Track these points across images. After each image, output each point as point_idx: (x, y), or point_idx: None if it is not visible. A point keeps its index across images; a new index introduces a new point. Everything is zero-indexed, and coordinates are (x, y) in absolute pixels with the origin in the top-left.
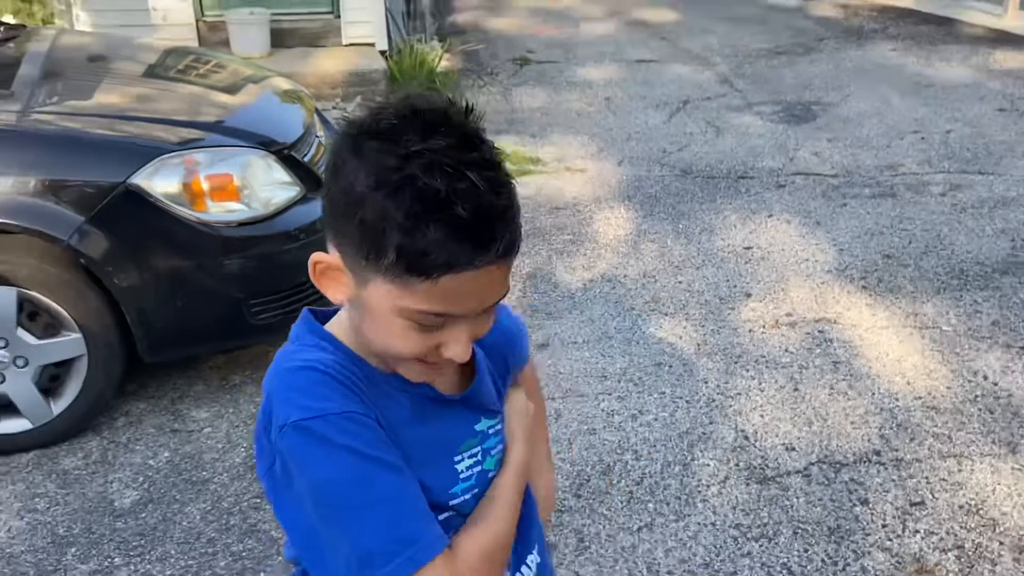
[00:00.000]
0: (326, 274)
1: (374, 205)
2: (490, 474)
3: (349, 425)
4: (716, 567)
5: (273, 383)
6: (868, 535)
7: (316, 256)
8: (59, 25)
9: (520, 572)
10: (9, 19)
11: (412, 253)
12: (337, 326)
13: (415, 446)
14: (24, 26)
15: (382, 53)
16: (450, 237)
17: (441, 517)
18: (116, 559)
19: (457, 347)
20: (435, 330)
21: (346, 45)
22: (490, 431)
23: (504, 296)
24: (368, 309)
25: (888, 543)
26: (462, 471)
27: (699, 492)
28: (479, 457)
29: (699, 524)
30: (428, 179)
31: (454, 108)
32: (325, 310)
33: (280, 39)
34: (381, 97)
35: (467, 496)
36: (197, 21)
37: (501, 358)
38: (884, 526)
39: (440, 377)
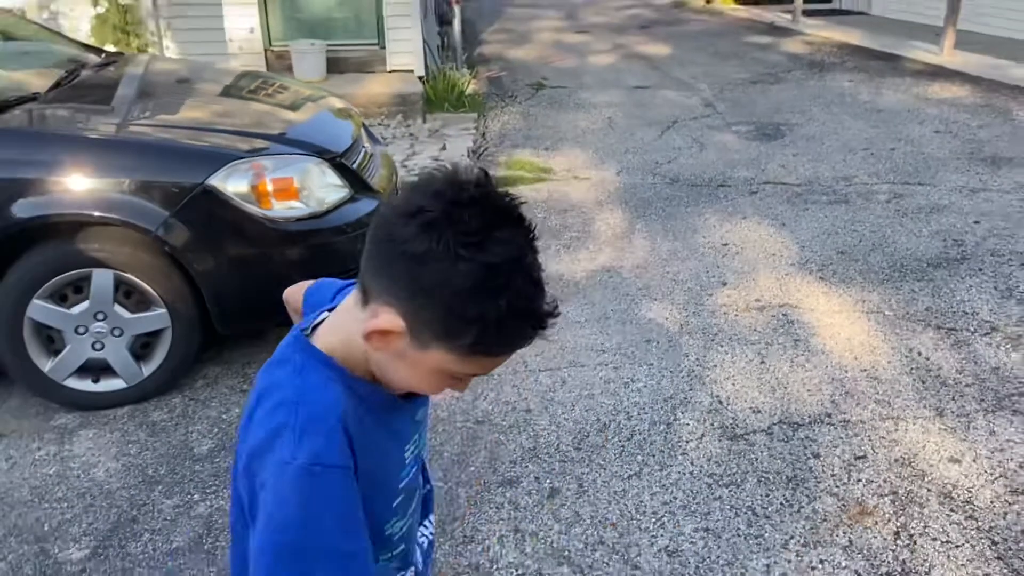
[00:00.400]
0: (383, 338)
1: (468, 304)
2: (422, 452)
3: (344, 480)
4: (692, 508)
5: (288, 416)
6: (819, 483)
7: (378, 325)
8: (151, 52)
9: (423, 526)
10: (111, 48)
11: (489, 342)
12: (329, 344)
13: (383, 445)
14: (123, 53)
15: (420, 78)
16: (524, 327)
17: (395, 503)
18: (195, 496)
19: (464, 386)
20: (463, 380)
21: (390, 72)
22: (420, 417)
23: None
24: (411, 362)
25: (836, 489)
26: (408, 459)
27: (680, 447)
28: (416, 441)
29: (679, 473)
30: (519, 288)
31: (515, 200)
32: (308, 323)
33: (335, 66)
34: (440, 171)
35: (410, 476)
36: (266, 50)
37: None
38: (833, 475)
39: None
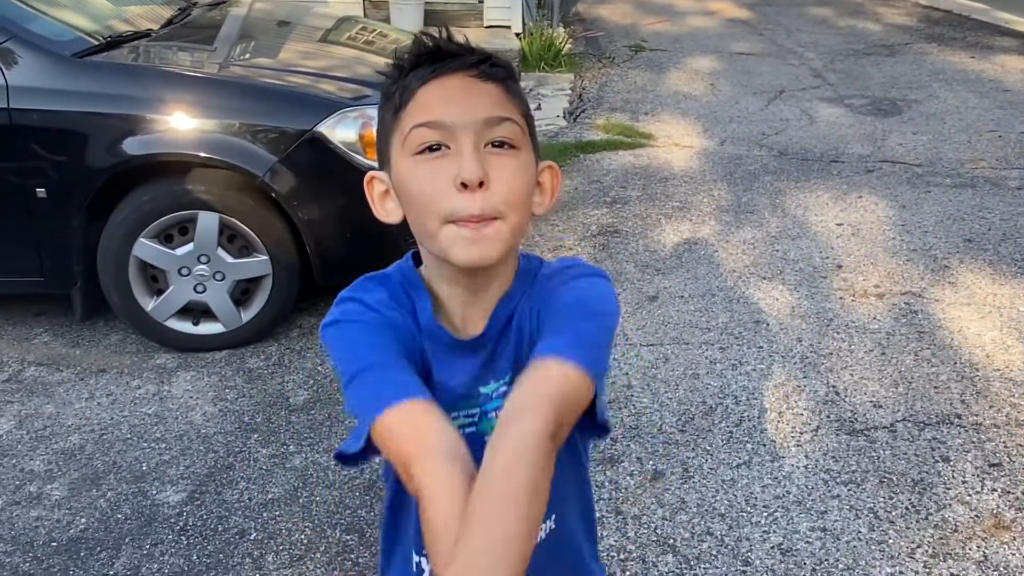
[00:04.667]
0: (382, 196)
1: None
2: (486, 436)
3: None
4: (808, 505)
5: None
6: (949, 489)
7: (369, 174)
8: None
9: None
10: None
11: (396, 95)
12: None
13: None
14: None
15: (516, 35)
16: (411, 68)
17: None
18: (291, 447)
19: (462, 161)
20: (443, 154)
21: (486, 27)
22: (494, 395)
23: (501, 116)
24: (400, 189)
25: (968, 498)
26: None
27: (793, 438)
28: (476, 419)
29: (792, 466)
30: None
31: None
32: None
33: (431, 18)
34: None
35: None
36: None
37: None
38: (964, 482)
39: (484, 244)
